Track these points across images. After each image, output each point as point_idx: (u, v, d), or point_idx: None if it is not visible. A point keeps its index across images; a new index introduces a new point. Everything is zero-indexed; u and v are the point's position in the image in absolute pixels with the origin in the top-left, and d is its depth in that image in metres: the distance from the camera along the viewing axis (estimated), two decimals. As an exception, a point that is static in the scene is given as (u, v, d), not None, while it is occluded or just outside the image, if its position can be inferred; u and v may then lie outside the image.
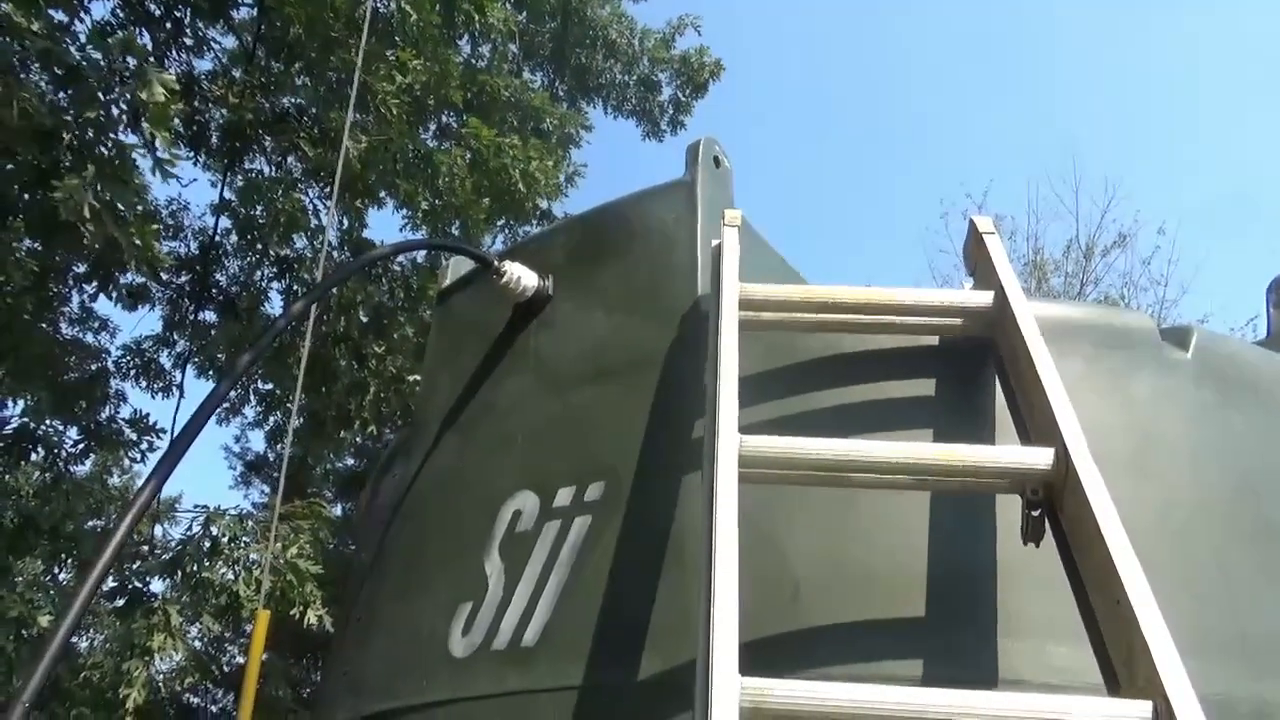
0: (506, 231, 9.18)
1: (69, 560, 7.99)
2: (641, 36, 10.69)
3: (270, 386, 9.20)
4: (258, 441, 17.96)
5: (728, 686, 0.98)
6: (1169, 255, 16.66)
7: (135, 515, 1.21)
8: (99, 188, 3.82)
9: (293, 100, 8.23)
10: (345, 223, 8.37)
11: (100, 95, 3.94)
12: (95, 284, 7.33)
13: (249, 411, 10.77)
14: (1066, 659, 1.26)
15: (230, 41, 8.76)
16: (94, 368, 9.01)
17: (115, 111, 4.02)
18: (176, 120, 8.12)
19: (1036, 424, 1.35)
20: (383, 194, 8.50)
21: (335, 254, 8.35)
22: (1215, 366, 1.63)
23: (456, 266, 2.42)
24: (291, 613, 6.26)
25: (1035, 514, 1.27)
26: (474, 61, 9.57)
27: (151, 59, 7.26)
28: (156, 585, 7.27)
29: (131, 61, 4.01)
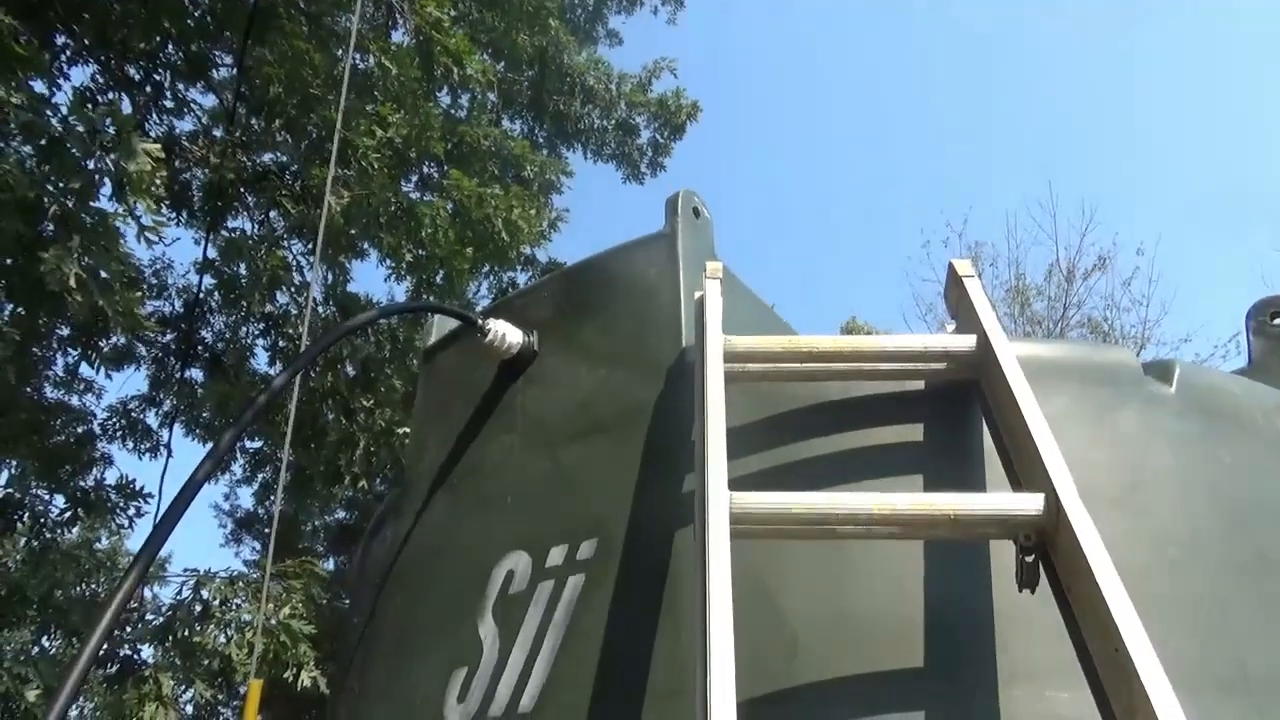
0: (491, 279, 9.22)
1: (58, 630, 7.84)
2: (618, 81, 10.83)
3: (258, 444, 9.14)
4: (247, 499, 17.81)
5: (727, 756, 0.97)
6: (1149, 275, 16.82)
7: (117, 607, 1.19)
8: (83, 258, 3.83)
9: (274, 157, 8.28)
10: (329, 278, 8.38)
11: (83, 165, 3.96)
12: (78, 350, 7.30)
13: (237, 469, 10.70)
14: (1069, 705, 1.24)
15: (210, 101, 8.83)
16: (80, 431, 8.93)
17: (98, 179, 4.04)
18: (159, 182, 8.17)
19: (1025, 468, 1.35)
20: (366, 247, 8.53)
21: (320, 309, 8.35)
22: (1199, 399, 1.63)
23: (441, 324, 2.42)
24: (285, 675, 6.15)
25: (1029, 560, 1.26)
26: (454, 112, 9.67)
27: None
28: (147, 652, 7.14)
29: (113, 128, 4.05)
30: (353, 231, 7.85)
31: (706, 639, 1.11)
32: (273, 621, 6.01)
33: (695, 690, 1.10)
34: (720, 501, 1.26)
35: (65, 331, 7.95)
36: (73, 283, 3.77)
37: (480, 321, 2.02)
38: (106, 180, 4.02)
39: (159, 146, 4.23)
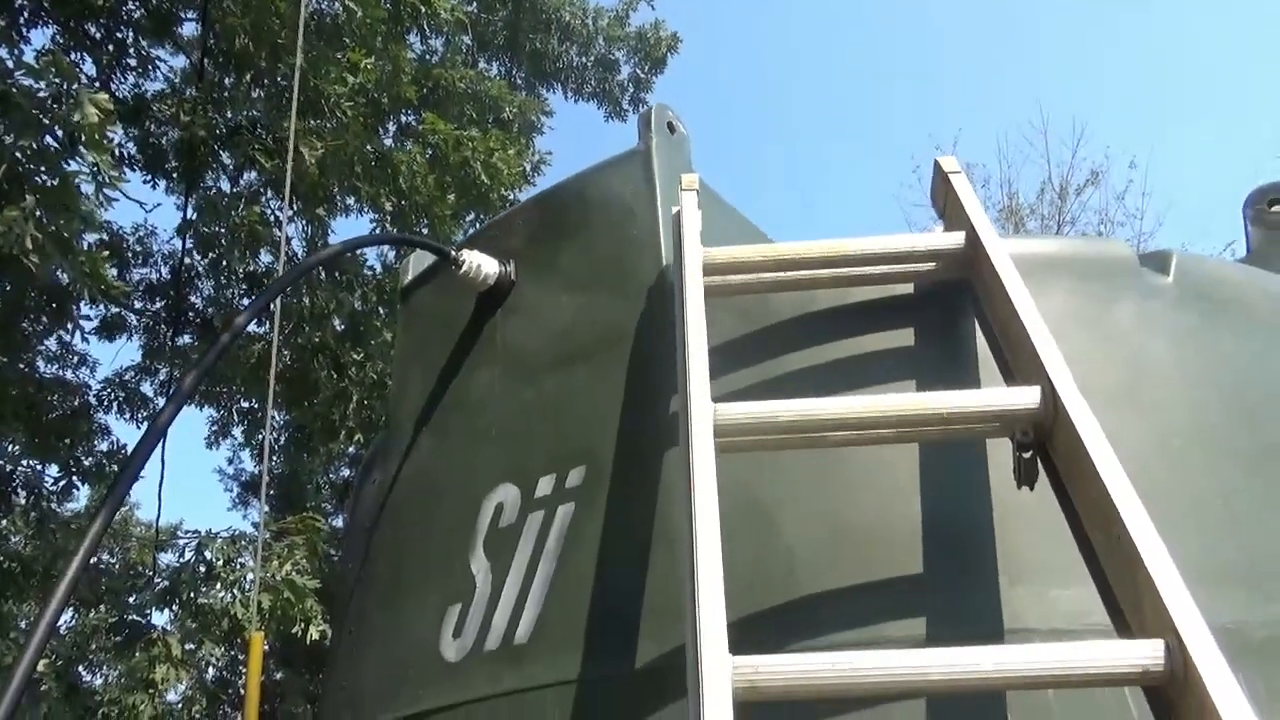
0: (477, 226, 9.08)
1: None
2: (595, 16, 10.56)
3: (253, 404, 9.09)
4: (250, 462, 17.81)
5: (718, 668, 0.93)
6: (1142, 188, 16.62)
7: (88, 548, 1.14)
8: (42, 218, 3.71)
9: (245, 113, 8.08)
10: (309, 231, 8.23)
11: (37, 121, 3.81)
12: (47, 319, 7.19)
13: (237, 432, 10.68)
14: (1072, 602, 1.21)
15: (180, 62, 8.61)
16: (76, 404, 8.88)
17: (52, 138, 3.90)
18: (130, 144, 7.99)
19: (1020, 363, 1.30)
20: (349, 199, 8.38)
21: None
22: (1198, 288, 1.58)
23: (417, 262, 2.35)
24: (294, 630, 6.19)
25: (1026, 455, 1.22)
26: (428, 57, 9.43)
27: (97, 82, 7.13)
28: (158, 617, 7.18)
29: (67, 85, 3.90)
30: (333, 188, 7.69)
31: (695, 555, 1.06)
32: (276, 578, 6.02)
33: (686, 607, 1.06)
34: (704, 414, 1.21)
35: (54, 306, 7.84)
36: (29, 244, 3.66)
37: (454, 253, 1.95)
38: (59, 132, 3.88)
39: (107, 98, 4.08)
